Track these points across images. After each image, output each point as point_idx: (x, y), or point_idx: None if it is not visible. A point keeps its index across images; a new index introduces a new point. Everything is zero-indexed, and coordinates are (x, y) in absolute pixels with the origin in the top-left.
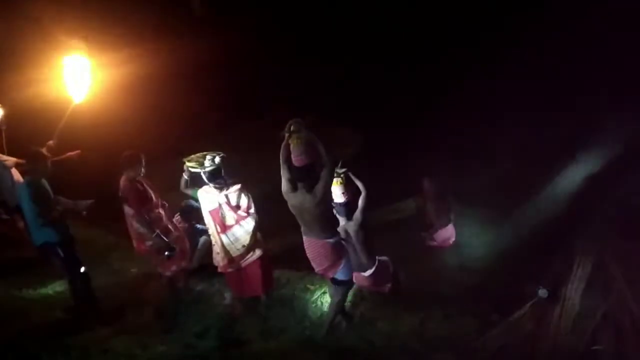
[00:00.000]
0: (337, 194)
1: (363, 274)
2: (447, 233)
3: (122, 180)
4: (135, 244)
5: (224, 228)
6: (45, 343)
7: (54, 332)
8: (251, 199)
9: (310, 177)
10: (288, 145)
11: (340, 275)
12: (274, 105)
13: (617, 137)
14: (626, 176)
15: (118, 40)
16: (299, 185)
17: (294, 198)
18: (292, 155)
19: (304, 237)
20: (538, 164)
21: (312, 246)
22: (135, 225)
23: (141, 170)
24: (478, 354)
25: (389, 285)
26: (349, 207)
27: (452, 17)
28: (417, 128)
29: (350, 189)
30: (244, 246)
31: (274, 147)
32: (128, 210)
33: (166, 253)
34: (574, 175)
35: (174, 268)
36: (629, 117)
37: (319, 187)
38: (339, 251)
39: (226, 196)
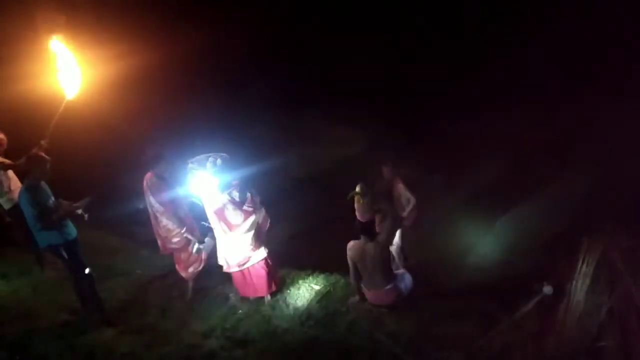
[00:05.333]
0: (358, 212)
1: (374, 290)
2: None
3: (149, 177)
4: (160, 243)
5: (230, 227)
6: (52, 344)
7: (60, 333)
8: (255, 194)
9: (372, 230)
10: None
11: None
12: (274, 104)
13: (622, 133)
14: (631, 172)
15: (113, 37)
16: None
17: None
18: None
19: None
20: (542, 161)
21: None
22: (164, 223)
23: (167, 167)
24: (484, 352)
25: (397, 300)
26: (370, 228)
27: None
28: (420, 123)
29: (369, 211)
30: (248, 245)
31: (276, 147)
32: (158, 207)
33: (196, 246)
34: (579, 172)
35: (191, 270)
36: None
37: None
38: (397, 291)
39: (229, 194)
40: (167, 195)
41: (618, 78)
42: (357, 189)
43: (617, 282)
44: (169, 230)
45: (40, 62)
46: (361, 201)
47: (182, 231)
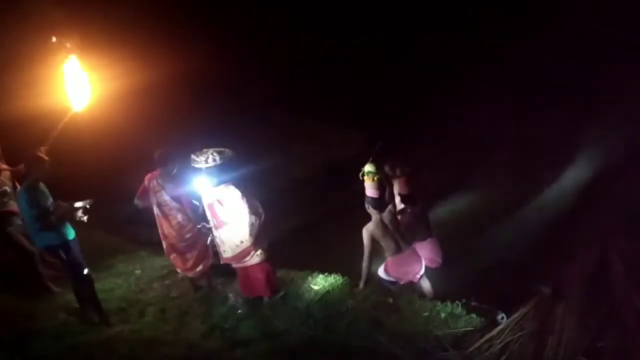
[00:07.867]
0: (371, 190)
1: (396, 256)
2: (429, 250)
3: (157, 176)
4: (166, 244)
5: (219, 224)
6: (52, 344)
7: (60, 333)
8: (245, 197)
9: (383, 202)
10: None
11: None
12: (275, 107)
13: (620, 134)
14: (629, 172)
15: (118, 47)
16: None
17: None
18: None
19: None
20: (541, 162)
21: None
22: (179, 219)
23: (176, 165)
24: (483, 353)
25: (417, 275)
26: (380, 201)
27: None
28: (417, 124)
29: (381, 186)
30: (241, 242)
31: (276, 147)
32: (173, 204)
33: (210, 238)
34: (577, 173)
35: (200, 268)
36: (630, 115)
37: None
38: (417, 252)
39: (221, 191)
40: (179, 192)
41: (617, 81)
42: (370, 167)
43: (616, 283)
44: (182, 226)
45: (49, 70)
46: (374, 179)
47: (199, 225)
